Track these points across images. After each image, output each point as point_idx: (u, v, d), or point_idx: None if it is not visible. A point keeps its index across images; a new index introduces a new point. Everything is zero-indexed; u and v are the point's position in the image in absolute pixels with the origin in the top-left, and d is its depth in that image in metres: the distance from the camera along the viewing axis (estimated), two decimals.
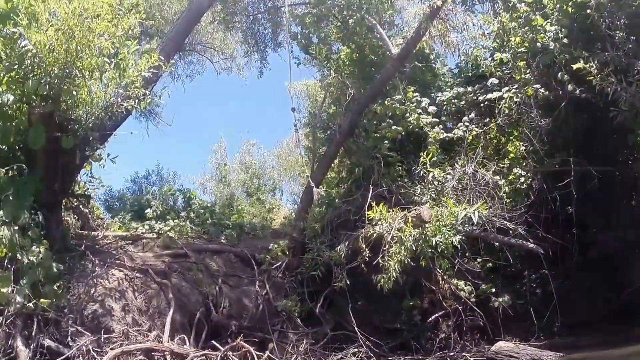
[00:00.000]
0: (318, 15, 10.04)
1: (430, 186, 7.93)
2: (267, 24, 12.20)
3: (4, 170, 5.61)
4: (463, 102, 9.21)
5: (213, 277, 8.44)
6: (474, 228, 7.08)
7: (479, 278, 8.58)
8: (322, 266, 8.13)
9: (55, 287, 5.74)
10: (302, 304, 8.16)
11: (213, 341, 6.81)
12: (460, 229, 6.76)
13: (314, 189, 7.90)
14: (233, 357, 6.23)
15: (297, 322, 7.91)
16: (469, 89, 9.21)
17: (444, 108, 9.38)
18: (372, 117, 9.28)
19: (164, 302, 7.01)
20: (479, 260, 8.57)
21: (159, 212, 10.66)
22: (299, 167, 16.96)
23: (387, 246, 6.93)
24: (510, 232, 7.35)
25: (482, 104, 8.86)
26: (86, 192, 8.14)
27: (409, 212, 7.08)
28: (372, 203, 7.32)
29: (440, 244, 6.64)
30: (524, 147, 8.22)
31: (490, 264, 8.54)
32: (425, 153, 8.24)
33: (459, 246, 6.77)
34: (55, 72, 5.82)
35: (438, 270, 8.17)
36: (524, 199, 8.00)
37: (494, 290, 8.39)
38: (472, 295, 8.37)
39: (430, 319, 8.24)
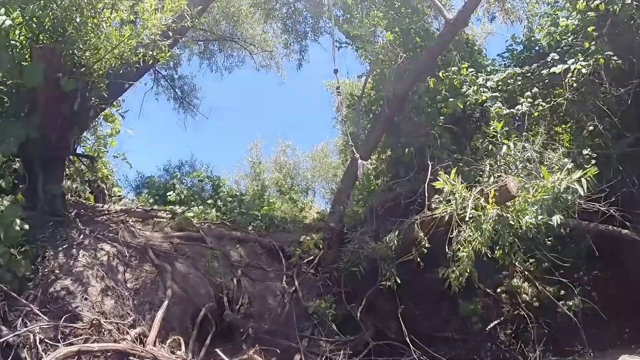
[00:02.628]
0: None
1: (503, 160, 5.93)
2: (307, 14, 10.91)
3: None
4: (520, 82, 7.44)
5: (232, 268, 6.56)
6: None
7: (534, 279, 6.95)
8: (364, 261, 6.34)
9: (15, 252, 4.12)
10: (337, 306, 6.33)
11: (217, 350, 4.71)
12: (558, 205, 4.69)
13: (359, 161, 5.99)
14: None
15: (331, 327, 6.00)
16: (526, 68, 7.45)
17: (499, 88, 7.63)
18: (424, 92, 7.49)
19: (161, 290, 5.13)
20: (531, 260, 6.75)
21: (182, 197, 9.02)
22: (333, 169, 15.17)
23: (456, 231, 4.96)
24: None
25: (541, 82, 7.13)
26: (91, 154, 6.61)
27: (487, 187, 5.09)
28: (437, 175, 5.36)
29: (531, 226, 4.62)
30: (592, 127, 6.63)
31: (546, 263, 6.54)
32: (493, 123, 6.34)
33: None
34: None
35: (517, 264, 6.06)
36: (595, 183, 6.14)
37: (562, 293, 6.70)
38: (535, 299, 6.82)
39: (489, 326, 6.65)
